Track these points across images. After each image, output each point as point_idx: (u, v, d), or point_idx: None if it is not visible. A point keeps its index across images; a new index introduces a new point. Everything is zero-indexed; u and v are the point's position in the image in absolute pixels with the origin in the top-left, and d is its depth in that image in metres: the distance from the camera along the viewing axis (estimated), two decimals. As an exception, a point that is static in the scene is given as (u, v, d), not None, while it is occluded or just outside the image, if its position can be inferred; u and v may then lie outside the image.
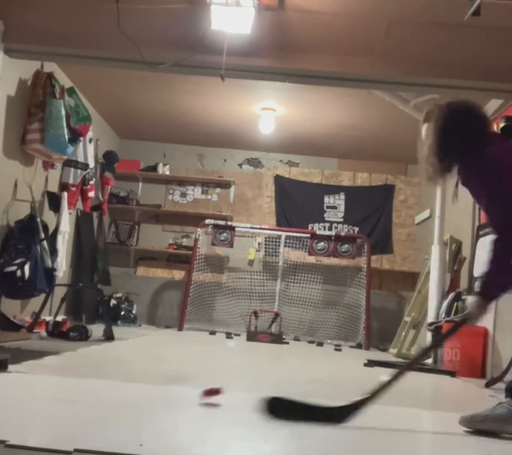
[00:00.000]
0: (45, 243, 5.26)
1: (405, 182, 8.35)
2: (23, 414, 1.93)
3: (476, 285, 2.44)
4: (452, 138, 2.46)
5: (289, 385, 3.31)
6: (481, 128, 2.49)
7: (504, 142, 2.49)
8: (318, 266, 7.97)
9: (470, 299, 2.49)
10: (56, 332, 4.76)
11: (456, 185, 2.55)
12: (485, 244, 5.01)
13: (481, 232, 5.16)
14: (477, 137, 2.45)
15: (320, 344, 6.82)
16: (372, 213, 8.26)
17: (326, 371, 4.48)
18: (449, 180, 2.58)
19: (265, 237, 8.13)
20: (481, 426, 2.22)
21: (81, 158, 6.10)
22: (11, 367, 2.76)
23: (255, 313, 7.11)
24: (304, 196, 8.30)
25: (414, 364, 2.75)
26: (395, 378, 2.30)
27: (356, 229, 8.23)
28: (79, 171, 6.13)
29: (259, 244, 8.18)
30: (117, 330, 5.33)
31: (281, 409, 2.16)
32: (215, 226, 7.59)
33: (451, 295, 5.46)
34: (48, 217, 5.79)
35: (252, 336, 6.58)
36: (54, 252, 5.52)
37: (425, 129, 2.55)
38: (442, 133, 2.47)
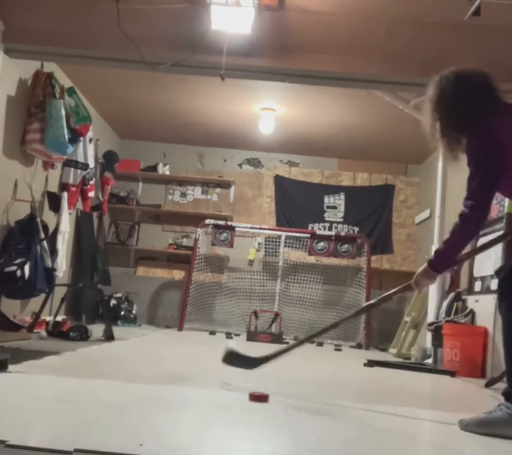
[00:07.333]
0: (45, 243, 5.26)
1: (405, 182, 8.35)
2: (23, 414, 1.93)
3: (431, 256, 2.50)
4: (458, 108, 2.34)
5: (289, 385, 3.31)
6: (489, 96, 2.35)
7: None
8: (318, 266, 7.97)
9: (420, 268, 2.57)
10: (56, 332, 4.75)
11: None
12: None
13: (481, 233, 5.15)
14: (484, 106, 2.31)
15: (320, 344, 6.82)
16: (372, 213, 8.26)
17: (326, 371, 4.47)
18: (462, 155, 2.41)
19: (265, 237, 8.13)
20: (477, 431, 2.22)
21: (81, 158, 6.10)
22: (11, 367, 2.76)
23: (255, 313, 7.10)
24: (304, 196, 8.30)
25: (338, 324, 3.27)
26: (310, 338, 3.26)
27: (356, 229, 8.23)
28: (79, 171, 6.13)
29: (259, 244, 8.18)
30: (117, 330, 5.33)
31: (232, 358, 3.12)
32: (215, 226, 7.59)
33: (451, 295, 5.46)
34: (48, 217, 5.79)
35: (252, 336, 6.58)
36: (54, 252, 5.53)
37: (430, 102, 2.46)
38: (449, 102, 2.37)
